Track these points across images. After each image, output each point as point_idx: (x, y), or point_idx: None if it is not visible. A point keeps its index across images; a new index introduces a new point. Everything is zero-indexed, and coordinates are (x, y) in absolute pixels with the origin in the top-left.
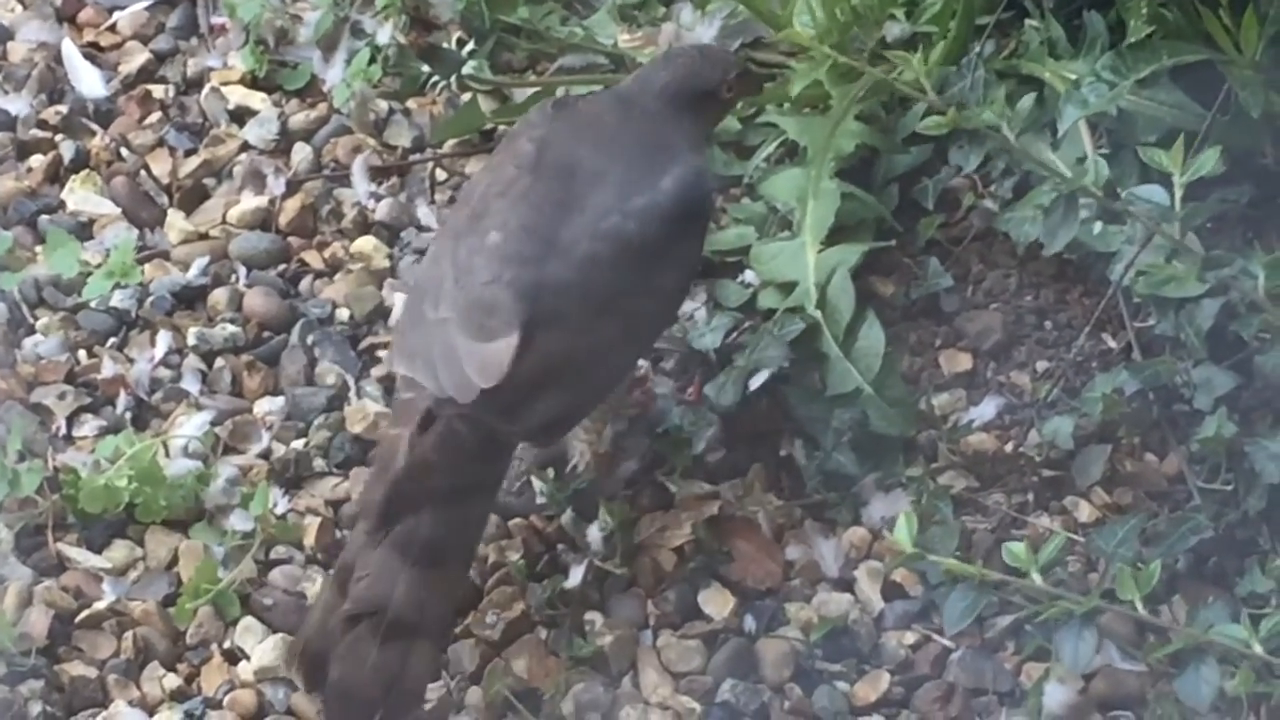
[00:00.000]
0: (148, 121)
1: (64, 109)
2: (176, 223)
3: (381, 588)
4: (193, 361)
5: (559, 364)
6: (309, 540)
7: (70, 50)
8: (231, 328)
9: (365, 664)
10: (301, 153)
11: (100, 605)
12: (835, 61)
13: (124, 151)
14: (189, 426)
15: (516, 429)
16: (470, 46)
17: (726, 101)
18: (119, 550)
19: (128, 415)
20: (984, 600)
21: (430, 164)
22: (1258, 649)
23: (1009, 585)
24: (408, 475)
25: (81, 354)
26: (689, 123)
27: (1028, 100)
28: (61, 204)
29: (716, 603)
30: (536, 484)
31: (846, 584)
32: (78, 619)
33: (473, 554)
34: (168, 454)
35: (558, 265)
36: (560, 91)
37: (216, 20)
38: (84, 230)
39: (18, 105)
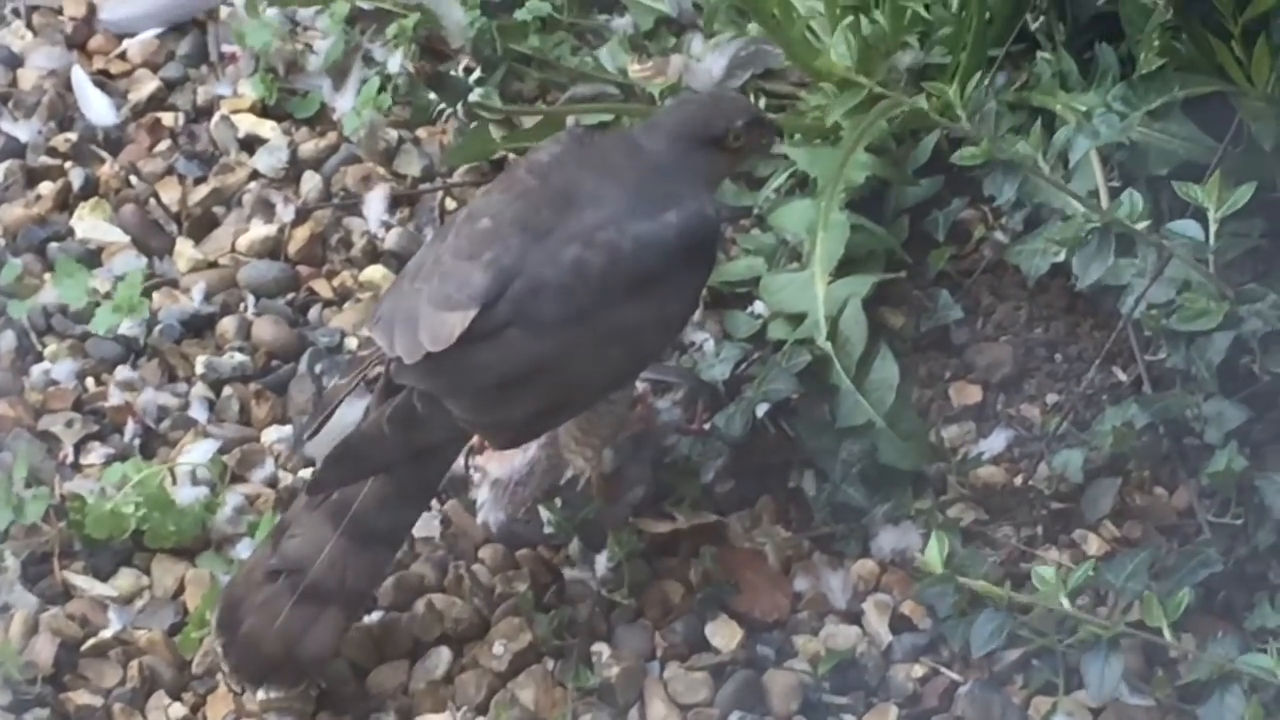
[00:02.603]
0: (157, 149)
1: (73, 136)
2: (185, 251)
3: (308, 549)
4: (201, 390)
5: (523, 358)
6: None
7: (80, 77)
8: (240, 356)
9: (275, 619)
10: (311, 181)
11: (106, 634)
12: (871, 91)
13: (133, 179)
14: (196, 454)
15: (469, 415)
16: (480, 75)
17: (734, 151)
18: (125, 579)
19: (135, 443)
20: (1009, 625)
21: (440, 193)
22: None
23: (1035, 609)
24: (358, 439)
25: (89, 381)
26: (695, 167)
27: (1062, 133)
28: (70, 231)
29: (724, 634)
30: (544, 513)
31: (854, 616)
32: (83, 647)
33: (401, 541)
34: (175, 482)
35: (541, 261)
36: (570, 120)
37: (227, 48)
38: (93, 258)
39: (27, 132)
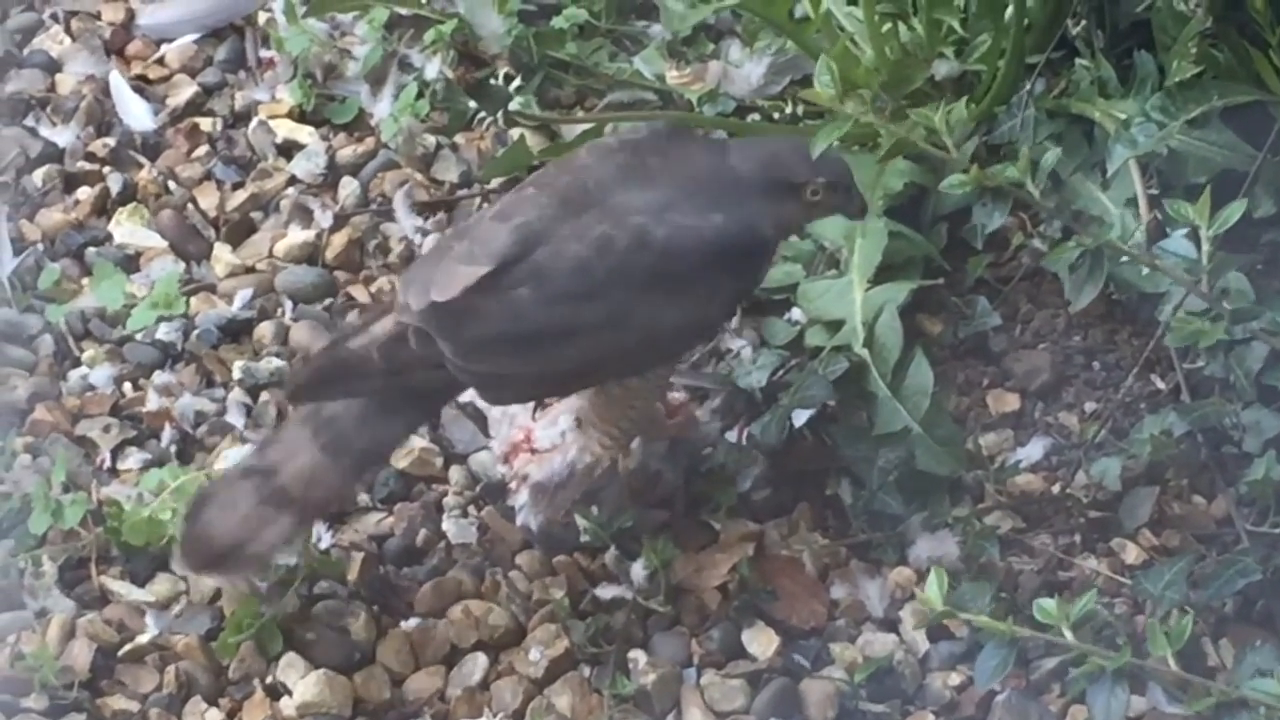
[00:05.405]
0: (195, 154)
1: (111, 141)
2: (223, 256)
3: (284, 455)
4: (238, 395)
5: (526, 320)
6: (352, 575)
7: (118, 83)
8: (277, 361)
9: (235, 514)
10: (349, 187)
11: (143, 639)
12: (857, 120)
13: (171, 184)
14: (233, 459)
15: (460, 362)
16: (518, 82)
17: (808, 204)
18: (162, 584)
19: (173, 448)
20: (1014, 655)
21: (477, 199)
22: None
23: (1040, 640)
24: (345, 357)
25: (127, 386)
26: (767, 201)
27: (1051, 156)
28: (108, 236)
29: (760, 642)
30: (580, 521)
31: (891, 624)
32: (120, 652)
33: (370, 465)
34: None
35: (570, 233)
36: (609, 128)
37: (265, 54)
38: (130, 263)
39: (65, 137)
